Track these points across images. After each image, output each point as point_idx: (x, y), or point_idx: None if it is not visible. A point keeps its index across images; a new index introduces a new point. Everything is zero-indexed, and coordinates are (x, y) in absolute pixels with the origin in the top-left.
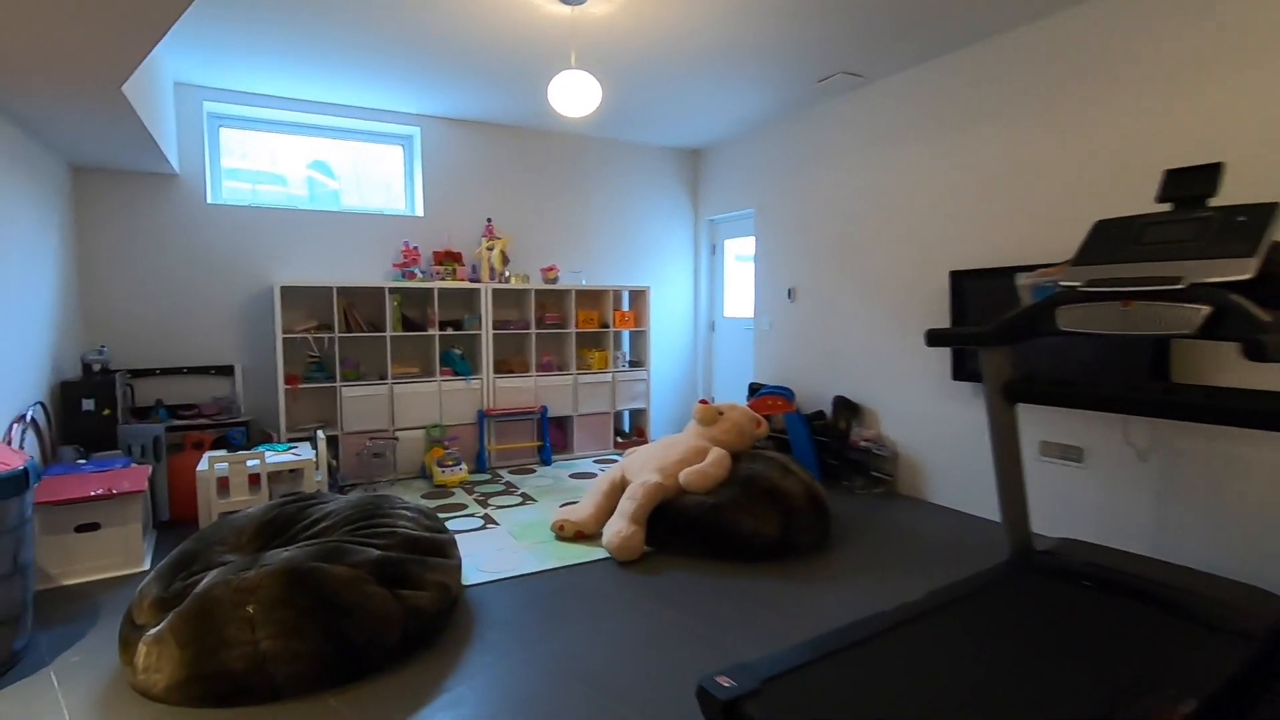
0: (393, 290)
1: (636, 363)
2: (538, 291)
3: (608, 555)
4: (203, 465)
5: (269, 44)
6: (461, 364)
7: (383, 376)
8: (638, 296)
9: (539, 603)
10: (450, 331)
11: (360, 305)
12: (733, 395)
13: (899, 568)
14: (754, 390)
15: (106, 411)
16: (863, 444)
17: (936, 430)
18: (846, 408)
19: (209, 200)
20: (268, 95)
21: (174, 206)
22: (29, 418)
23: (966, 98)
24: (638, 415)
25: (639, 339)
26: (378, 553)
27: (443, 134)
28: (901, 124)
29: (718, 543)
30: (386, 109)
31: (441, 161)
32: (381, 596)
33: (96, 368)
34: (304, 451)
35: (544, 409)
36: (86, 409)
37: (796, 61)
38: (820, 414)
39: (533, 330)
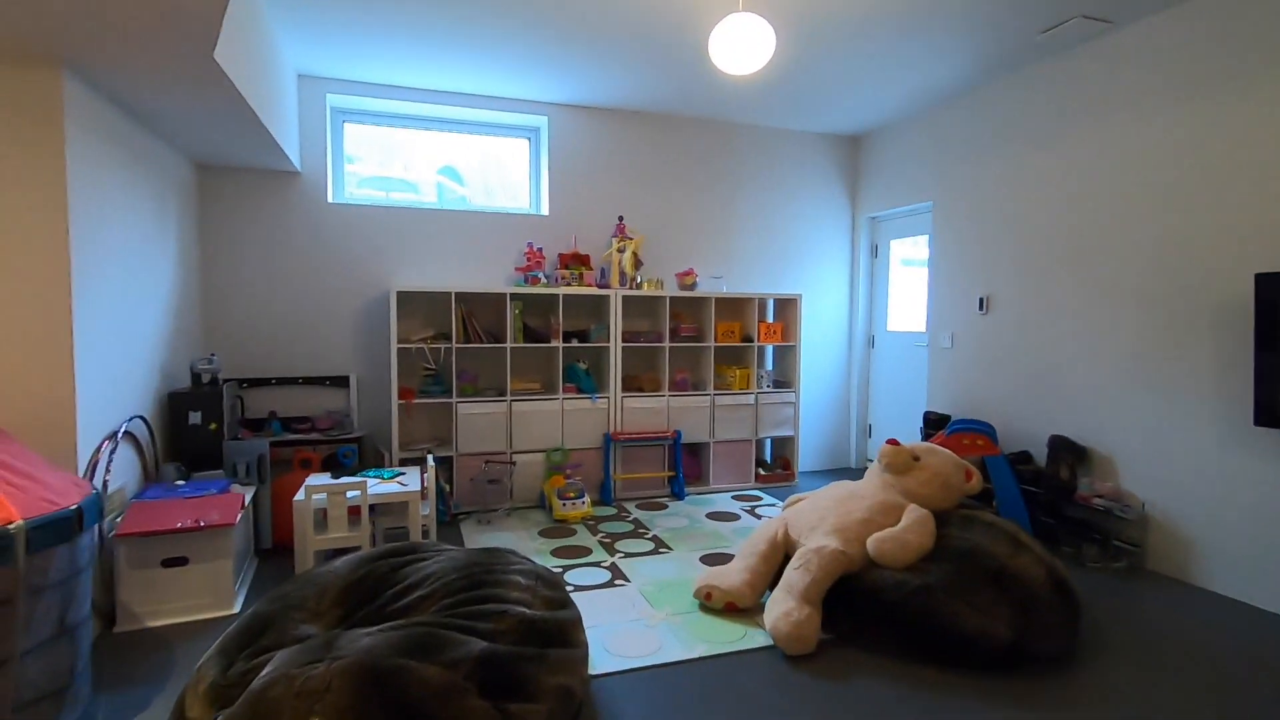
0: (514, 296)
1: (783, 383)
2: (672, 299)
3: (771, 643)
4: (300, 495)
5: (392, 29)
6: (586, 380)
7: (501, 392)
8: (786, 306)
9: (684, 713)
10: (575, 343)
11: (479, 313)
12: (897, 426)
13: (1199, 701)
14: (932, 422)
15: (213, 425)
16: (1097, 502)
17: (1219, 492)
18: (1069, 451)
19: (330, 199)
20: (391, 86)
21: (294, 205)
22: (120, 434)
23: (1271, 36)
24: (782, 444)
25: (786, 355)
26: (483, 644)
27: (572, 123)
28: (1164, 81)
29: (923, 641)
30: (513, 97)
31: (569, 154)
32: (485, 713)
33: (205, 378)
34: (411, 480)
35: (677, 434)
36: (193, 422)
37: (1015, 5)
38: (1025, 455)
39: (666, 343)
